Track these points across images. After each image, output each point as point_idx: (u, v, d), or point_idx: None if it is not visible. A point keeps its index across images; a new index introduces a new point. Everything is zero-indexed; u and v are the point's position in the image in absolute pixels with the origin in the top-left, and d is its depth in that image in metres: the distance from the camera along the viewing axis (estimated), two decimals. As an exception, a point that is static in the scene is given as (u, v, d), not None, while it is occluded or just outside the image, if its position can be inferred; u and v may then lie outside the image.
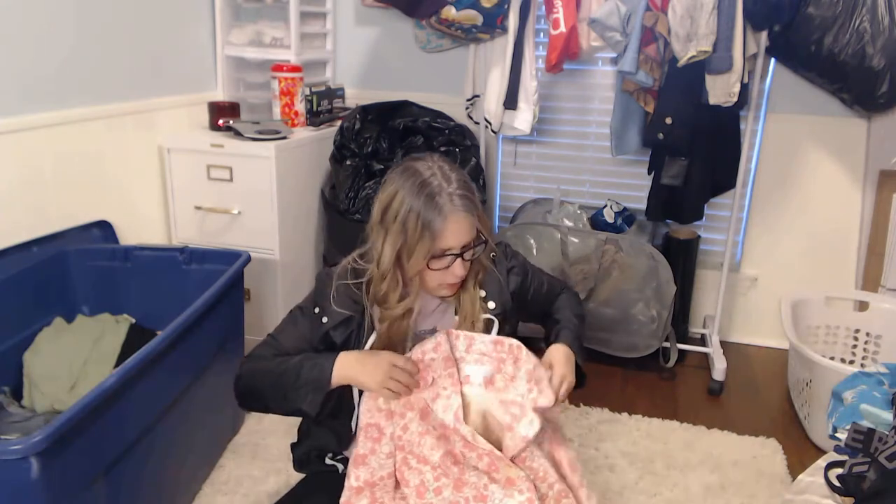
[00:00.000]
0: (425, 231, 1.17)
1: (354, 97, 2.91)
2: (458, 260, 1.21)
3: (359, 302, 1.27)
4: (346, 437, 1.33)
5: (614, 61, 2.49)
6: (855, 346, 2.55)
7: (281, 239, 2.39)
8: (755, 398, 2.51)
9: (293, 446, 1.43)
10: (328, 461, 1.36)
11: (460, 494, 1.20)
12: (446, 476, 1.21)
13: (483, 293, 1.32)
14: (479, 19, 2.37)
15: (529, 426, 1.19)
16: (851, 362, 2.52)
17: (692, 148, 2.41)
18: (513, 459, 1.20)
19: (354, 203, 2.52)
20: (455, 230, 1.19)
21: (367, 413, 1.24)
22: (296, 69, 2.51)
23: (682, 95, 2.30)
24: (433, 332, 1.31)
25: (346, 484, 1.23)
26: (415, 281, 1.25)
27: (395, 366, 1.20)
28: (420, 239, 1.18)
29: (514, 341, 1.25)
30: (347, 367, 1.20)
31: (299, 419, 1.41)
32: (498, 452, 1.18)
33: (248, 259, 1.97)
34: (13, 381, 1.73)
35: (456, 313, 1.33)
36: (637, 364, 2.59)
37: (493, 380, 1.24)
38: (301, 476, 1.42)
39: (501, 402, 1.23)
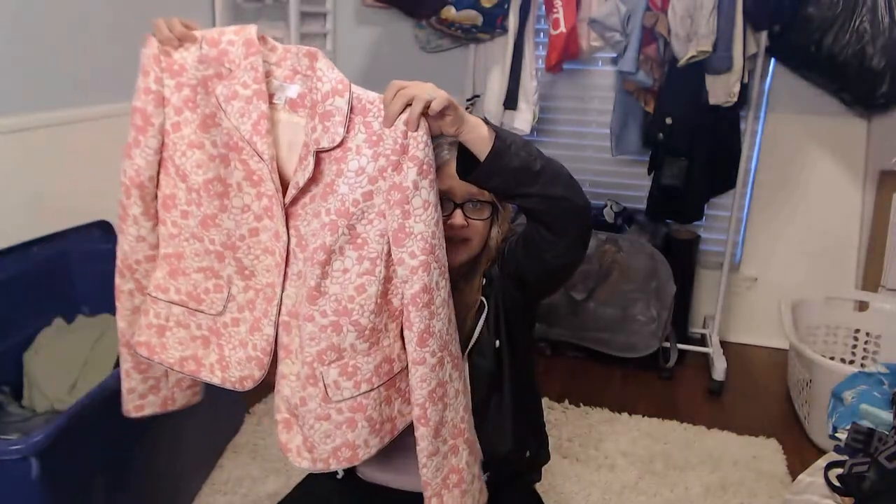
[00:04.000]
0: None
1: (354, 97, 2.90)
2: (458, 211, 1.16)
3: None
4: None
5: (614, 61, 2.50)
6: (855, 346, 2.55)
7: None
8: (755, 398, 2.51)
9: None
10: None
11: (206, 233, 1.03)
12: (198, 206, 1.02)
13: (484, 281, 1.23)
14: (479, 19, 2.37)
15: (302, 173, 0.97)
16: (851, 362, 2.52)
17: (692, 148, 2.41)
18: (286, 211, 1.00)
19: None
20: (451, 173, 1.11)
21: (136, 92, 1.00)
22: (296, 69, 2.51)
23: (683, 95, 2.30)
24: None
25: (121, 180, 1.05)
26: None
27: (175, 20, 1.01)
28: None
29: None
30: None
31: None
32: (279, 199, 0.98)
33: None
34: (13, 381, 1.72)
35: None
36: (637, 364, 2.59)
37: (305, 102, 0.99)
38: (301, 477, 1.42)
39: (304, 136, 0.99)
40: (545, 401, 2.35)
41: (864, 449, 1.30)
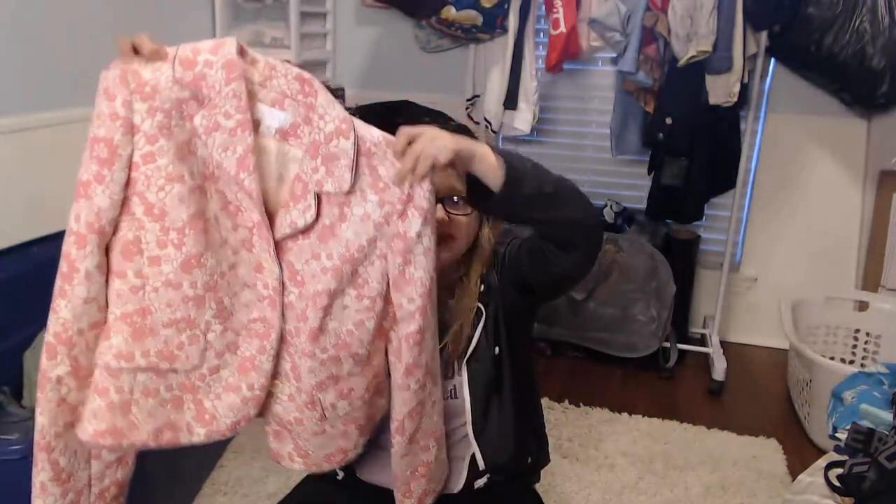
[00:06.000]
0: None
1: (354, 97, 2.91)
2: (439, 206, 1.11)
3: None
4: None
5: (614, 61, 2.50)
6: (855, 346, 2.55)
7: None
8: (755, 398, 2.51)
9: None
10: None
11: (187, 276, 0.90)
12: (179, 247, 0.89)
13: (482, 287, 1.20)
14: (479, 19, 2.37)
15: (302, 214, 0.91)
16: (851, 362, 2.52)
17: (692, 148, 2.41)
18: (276, 246, 0.94)
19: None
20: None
21: (97, 118, 0.86)
22: (296, 69, 2.51)
23: (683, 95, 2.30)
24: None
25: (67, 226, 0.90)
26: None
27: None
28: None
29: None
30: None
31: None
32: (267, 231, 0.91)
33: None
34: (13, 381, 1.72)
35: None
36: (637, 364, 2.59)
37: (297, 132, 0.91)
38: (301, 477, 1.42)
39: (296, 169, 0.92)
40: (545, 401, 2.35)
41: (864, 449, 1.30)
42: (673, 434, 2.22)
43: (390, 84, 2.95)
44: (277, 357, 0.98)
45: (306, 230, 0.92)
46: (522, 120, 2.50)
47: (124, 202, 0.88)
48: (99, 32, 2.09)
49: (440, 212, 1.11)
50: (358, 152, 0.88)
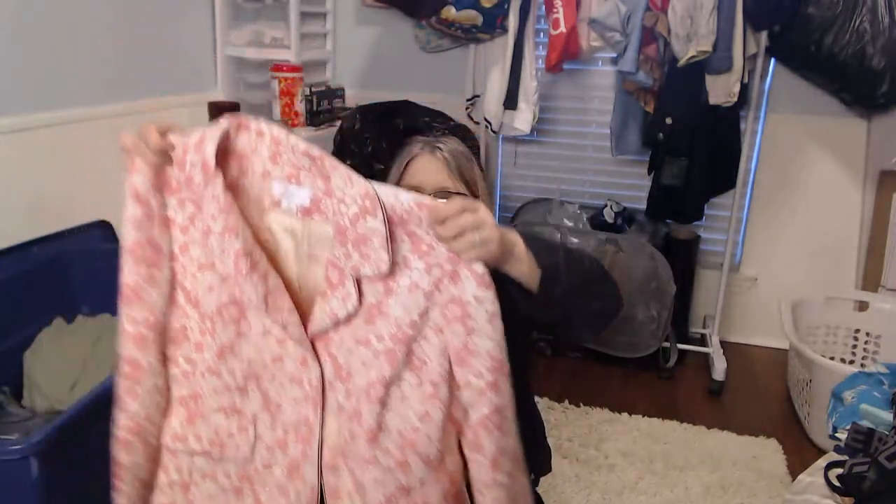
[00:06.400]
0: (395, 162, 1.17)
1: (354, 97, 2.91)
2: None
3: None
4: None
5: (614, 61, 2.50)
6: (855, 346, 2.55)
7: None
8: (755, 398, 2.51)
9: None
10: None
11: (223, 365, 0.89)
12: (213, 335, 0.89)
13: None
14: (479, 19, 2.37)
15: (343, 304, 0.83)
16: (851, 362, 2.52)
17: (692, 148, 2.41)
18: (313, 341, 0.87)
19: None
20: (420, 167, 1.14)
21: (132, 222, 0.86)
22: (295, 69, 2.51)
23: (683, 95, 2.30)
24: None
25: (120, 329, 0.90)
26: None
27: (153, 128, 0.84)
28: (393, 172, 1.17)
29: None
30: None
31: None
32: (298, 326, 0.86)
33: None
34: (13, 381, 1.72)
35: None
36: (637, 364, 2.59)
37: (320, 207, 0.84)
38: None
39: (327, 249, 0.85)
40: (545, 401, 2.35)
41: (864, 449, 1.30)
42: (673, 434, 2.22)
43: (390, 84, 2.96)
44: (334, 473, 0.89)
45: (348, 318, 0.85)
46: (522, 120, 2.50)
47: (170, 292, 0.90)
48: (99, 32, 2.09)
49: None
50: (390, 223, 0.80)
